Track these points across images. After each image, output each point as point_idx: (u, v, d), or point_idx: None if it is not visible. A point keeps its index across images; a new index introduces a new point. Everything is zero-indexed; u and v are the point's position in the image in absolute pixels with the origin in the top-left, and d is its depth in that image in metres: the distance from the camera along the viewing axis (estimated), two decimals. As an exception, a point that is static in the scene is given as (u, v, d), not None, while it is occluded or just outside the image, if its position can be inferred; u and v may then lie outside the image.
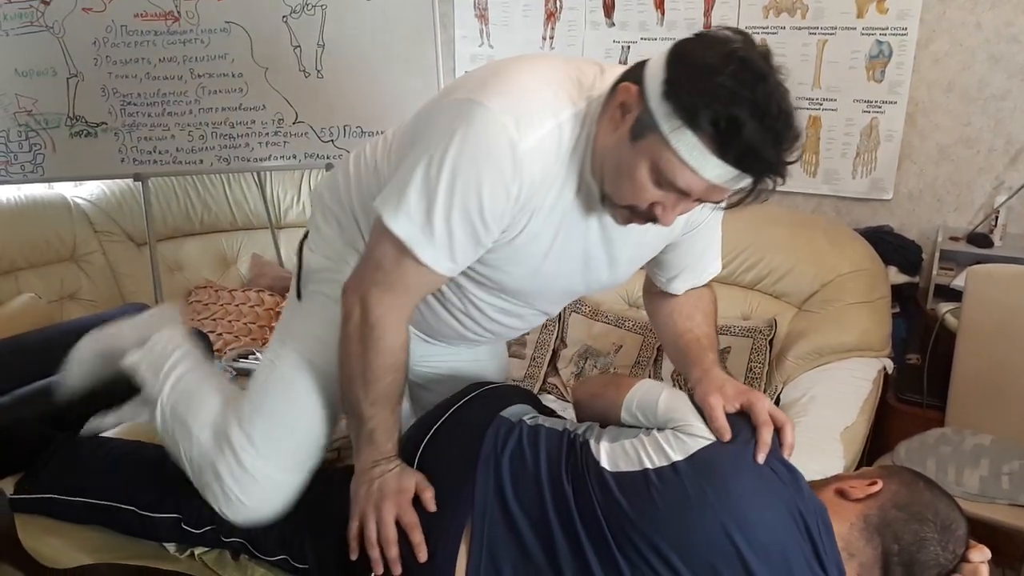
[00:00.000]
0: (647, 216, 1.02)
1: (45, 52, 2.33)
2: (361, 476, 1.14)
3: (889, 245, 2.45)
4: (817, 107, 2.59)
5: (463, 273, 1.17)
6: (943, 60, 2.43)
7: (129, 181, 2.70)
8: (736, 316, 2.24)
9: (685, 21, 2.72)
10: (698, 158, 0.91)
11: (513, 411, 1.22)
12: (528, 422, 1.19)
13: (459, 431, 1.19)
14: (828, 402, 1.86)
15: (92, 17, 2.32)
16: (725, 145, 0.89)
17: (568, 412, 1.42)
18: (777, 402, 1.96)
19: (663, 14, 2.75)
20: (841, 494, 1.09)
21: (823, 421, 1.78)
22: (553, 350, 2.41)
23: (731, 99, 0.87)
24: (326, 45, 2.37)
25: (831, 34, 2.53)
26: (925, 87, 2.46)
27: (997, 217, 2.35)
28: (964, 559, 1.06)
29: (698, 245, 1.29)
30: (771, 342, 2.12)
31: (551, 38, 2.97)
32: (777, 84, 0.91)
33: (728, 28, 0.94)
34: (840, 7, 2.49)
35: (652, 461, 1.03)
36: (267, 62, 2.37)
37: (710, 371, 1.19)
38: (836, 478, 1.16)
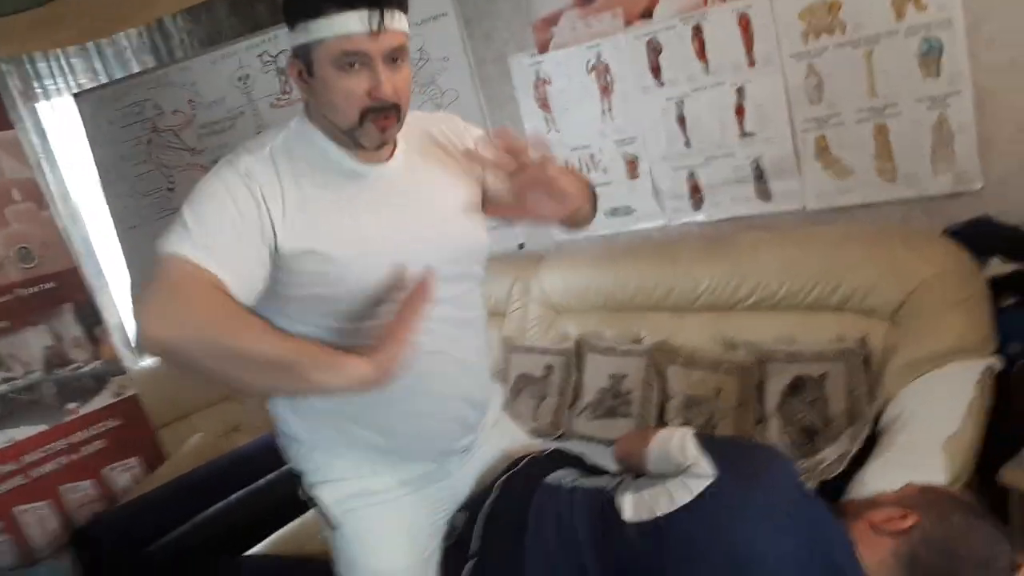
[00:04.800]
0: (381, 107, 1.18)
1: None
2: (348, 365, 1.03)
3: (989, 236, 2.36)
4: (879, 115, 2.57)
5: None
6: (998, 41, 2.35)
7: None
8: (830, 339, 2.23)
9: (730, 63, 2.79)
10: (336, 24, 1.14)
11: (555, 476, 1.34)
12: (566, 485, 1.31)
13: (508, 506, 1.32)
14: (928, 413, 1.81)
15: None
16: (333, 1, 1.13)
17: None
18: (876, 422, 1.93)
19: (706, 63, 2.84)
20: (873, 527, 1.11)
21: (923, 434, 1.74)
22: (660, 405, 2.48)
23: None
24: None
25: (875, 43, 2.52)
26: (985, 71, 2.38)
27: (1098, 184, 2.22)
28: None
29: None
30: (866, 361, 2.10)
31: (610, 110, 3.13)
32: None
33: None
34: (878, 14, 2.49)
35: (662, 508, 1.11)
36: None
37: None
38: (872, 503, 1.18)
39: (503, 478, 1.37)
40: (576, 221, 1.43)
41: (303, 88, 1.23)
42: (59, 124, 3.20)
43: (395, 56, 1.19)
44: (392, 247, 1.26)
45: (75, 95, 3.05)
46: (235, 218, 1.16)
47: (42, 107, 3.18)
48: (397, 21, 1.17)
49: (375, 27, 1.14)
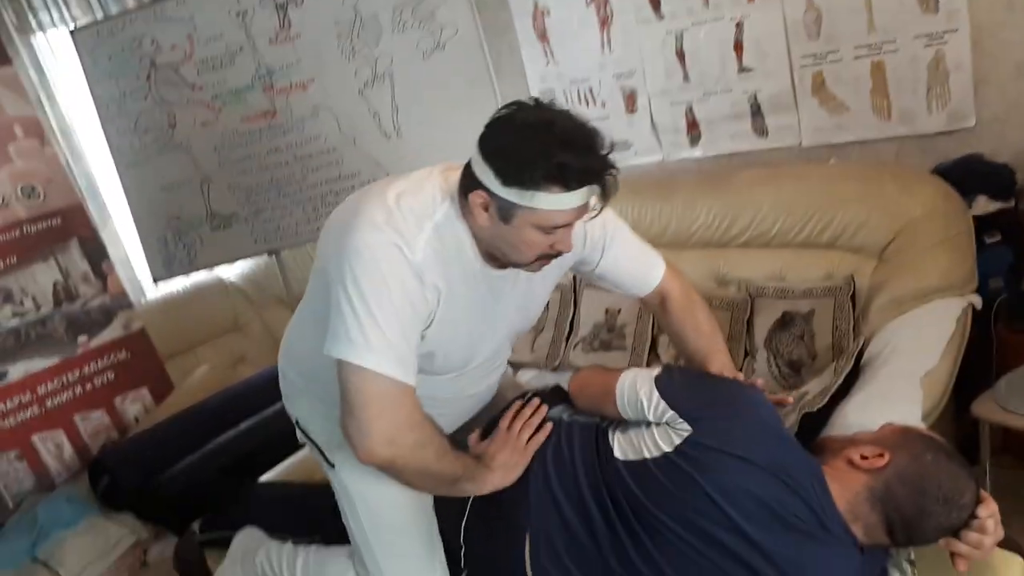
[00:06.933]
0: (552, 255, 1.24)
1: (180, 166, 2.81)
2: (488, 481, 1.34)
3: (977, 174, 2.39)
4: (876, 52, 2.56)
5: None
6: (998, -23, 2.34)
7: (266, 256, 3.16)
8: (819, 277, 2.29)
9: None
10: (558, 202, 1.15)
11: (555, 411, 1.43)
12: (566, 419, 1.40)
13: None
14: (909, 348, 1.88)
15: (209, 129, 2.76)
16: (566, 181, 1.13)
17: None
18: (859, 357, 2.00)
19: (707, -3, 2.82)
20: (851, 463, 1.21)
21: (903, 368, 1.81)
22: (653, 338, 2.56)
23: (545, 153, 1.11)
24: (399, 107, 2.68)
25: (877, -24, 2.50)
26: (984, 10, 2.37)
27: (1090, 123, 2.24)
28: (974, 515, 1.15)
29: (622, 262, 1.47)
30: (853, 298, 2.16)
31: (608, 42, 3.11)
32: (565, 117, 1.16)
33: (513, 102, 1.19)
34: (879, -53, 2.46)
35: (650, 451, 1.22)
36: (353, 133, 2.73)
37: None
38: (851, 441, 1.27)
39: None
40: None
41: (482, 216, 1.22)
42: (56, 59, 3.17)
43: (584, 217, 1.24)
44: (488, 330, 1.37)
45: (72, 32, 3.02)
46: (411, 319, 1.22)
47: (38, 41, 3.15)
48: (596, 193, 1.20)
49: (587, 201, 1.19)
